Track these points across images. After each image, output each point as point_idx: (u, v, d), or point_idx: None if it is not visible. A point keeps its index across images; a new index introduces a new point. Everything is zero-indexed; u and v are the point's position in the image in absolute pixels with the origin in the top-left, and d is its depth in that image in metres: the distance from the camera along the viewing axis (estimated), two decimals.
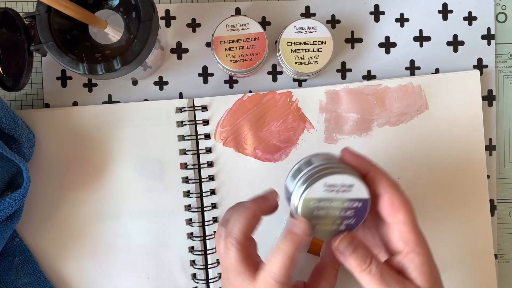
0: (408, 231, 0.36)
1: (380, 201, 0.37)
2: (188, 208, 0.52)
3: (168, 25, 0.54)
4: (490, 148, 0.54)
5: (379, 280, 0.35)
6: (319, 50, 0.50)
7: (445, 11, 0.54)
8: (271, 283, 0.35)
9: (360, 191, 0.36)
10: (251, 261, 0.37)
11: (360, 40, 0.54)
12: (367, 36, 0.54)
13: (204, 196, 0.52)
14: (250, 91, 0.54)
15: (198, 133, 0.52)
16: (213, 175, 0.52)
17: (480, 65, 0.54)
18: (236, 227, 0.38)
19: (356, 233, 0.37)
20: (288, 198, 0.39)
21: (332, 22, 0.54)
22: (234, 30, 0.49)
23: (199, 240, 0.52)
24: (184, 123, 0.52)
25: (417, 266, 0.36)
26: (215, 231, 0.52)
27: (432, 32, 0.54)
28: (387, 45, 0.54)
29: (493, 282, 0.52)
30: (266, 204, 0.40)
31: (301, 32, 0.50)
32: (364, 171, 0.38)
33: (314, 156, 0.40)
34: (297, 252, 0.35)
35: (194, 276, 0.52)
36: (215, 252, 0.52)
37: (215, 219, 0.52)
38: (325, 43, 0.50)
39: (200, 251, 0.52)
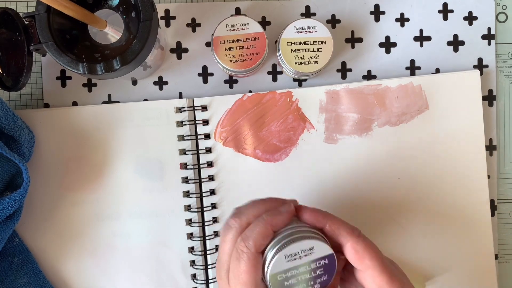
0: (378, 275, 0.37)
1: (345, 250, 0.38)
2: (188, 208, 0.52)
3: (168, 25, 0.53)
4: (490, 148, 0.54)
5: None
6: (319, 50, 0.50)
7: (445, 11, 0.54)
8: None
9: (322, 249, 0.36)
10: (257, 277, 0.37)
11: (360, 40, 0.54)
12: (367, 36, 0.54)
13: (204, 196, 0.52)
14: (250, 91, 0.54)
15: (198, 133, 0.52)
16: (213, 175, 0.52)
17: (480, 65, 0.54)
18: (251, 239, 0.37)
19: (335, 284, 0.39)
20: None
21: (332, 22, 0.54)
22: (234, 30, 0.49)
23: (199, 240, 0.52)
24: (184, 123, 0.52)
25: None
26: (215, 231, 0.52)
27: (432, 32, 0.54)
28: (387, 45, 0.54)
29: (493, 282, 0.52)
30: (279, 220, 0.38)
31: (301, 32, 0.50)
32: (321, 225, 0.39)
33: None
34: None
35: (194, 276, 0.52)
36: (215, 252, 0.52)
37: (215, 219, 0.52)
38: (325, 43, 0.50)
39: (200, 251, 0.52)
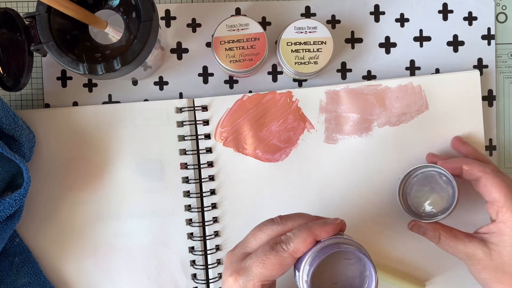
0: (501, 206, 0.44)
1: (478, 186, 0.46)
2: (188, 208, 0.52)
3: (168, 25, 0.54)
4: (490, 148, 0.54)
5: (449, 238, 0.47)
6: (319, 50, 0.50)
7: (445, 11, 0.54)
8: None
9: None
10: (276, 275, 0.37)
11: (360, 40, 0.54)
12: (367, 36, 0.54)
13: (204, 196, 0.52)
14: (250, 91, 0.54)
15: (198, 133, 0.52)
16: (213, 175, 0.52)
17: (480, 65, 0.54)
18: (292, 242, 0.37)
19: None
20: (297, 269, 0.39)
21: (332, 22, 0.54)
22: (234, 30, 0.49)
23: (199, 240, 0.52)
24: (184, 123, 0.52)
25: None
26: (215, 231, 0.52)
27: (432, 32, 0.54)
28: (387, 45, 0.54)
29: None
30: (324, 231, 0.38)
31: (301, 32, 0.50)
32: (459, 169, 0.47)
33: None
34: None
35: (194, 276, 0.52)
36: (215, 252, 0.52)
37: (215, 219, 0.52)
38: (325, 43, 0.50)
39: (200, 251, 0.52)
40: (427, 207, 0.52)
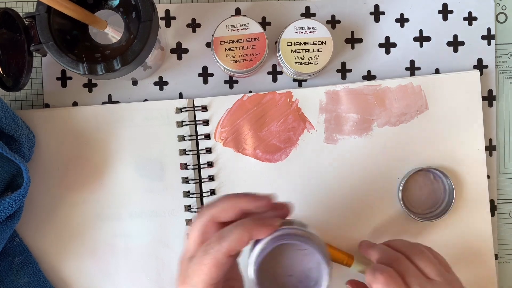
0: None
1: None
2: (188, 208, 0.52)
3: (168, 25, 0.54)
4: (490, 148, 0.54)
5: None
6: (319, 50, 0.50)
7: (445, 11, 0.54)
8: None
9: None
10: (216, 276, 0.35)
11: (360, 40, 0.54)
12: (367, 36, 0.54)
13: (204, 197, 0.52)
14: (250, 91, 0.54)
15: (198, 133, 0.52)
16: (213, 176, 0.52)
17: (480, 65, 0.54)
18: (226, 241, 0.35)
19: None
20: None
21: (332, 22, 0.54)
22: (234, 30, 0.49)
23: None
24: (184, 123, 0.52)
25: None
26: None
27: (432, 32, 0.54)
28: (387, 45, 0.54)
29: (493, 282, 0.52)
30: (261, 232, 0.36)
31: (301, 32, 0.50)
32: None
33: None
34: None
35: None
36: None
37: None
38: (325, 43, 0.50)
39: None
40: (426, 207, 0.52)
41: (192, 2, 0.54)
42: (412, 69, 0.54)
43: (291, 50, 0.50)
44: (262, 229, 0.36)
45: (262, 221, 0.36)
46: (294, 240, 0.35)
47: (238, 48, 0.49)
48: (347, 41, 0.54)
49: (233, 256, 0.36)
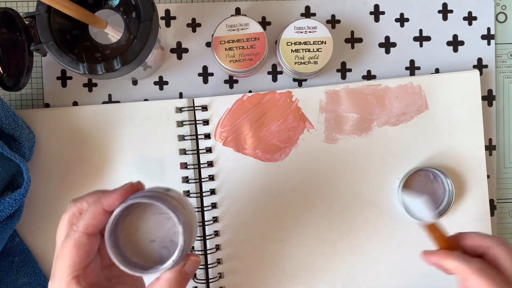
0: None
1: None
2: None
3: (168, 25, 0.54)
4: (490, 148, 0.54)
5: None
6: (319, 50, 0.50)
7: (445, 11, 0.54)
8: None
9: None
10: (79, 257, 0.34)
11: (360, 40, 0.54)
12: (367, 36, 0.54)
13: (204, 196, 0.52)
14: (250, 91, 0.54)
15: (198, 133, 0.52)
16: (213, 175, 0.52)
17: (480, 65, 0.54)
18: (81, 219, 0.35)
19: None
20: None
21: (332, 22, 0.54)
22: (234, 30, 0.49)
23: (199, 240, 0.52)
24: (184, 123, 0.52)
25: None
26: (215, 231, 0.52)
27: (432, 32, 0.54)
28: (387, 45, 0.54)
29: None
30: (111, 198, 0.35)
31: (301, 32, 0.50)
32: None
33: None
34: None
35: (194, 276, 0.52)
36: (215, 251, 0.52)
37: (215, 219, 0.52)
38: (325, 43, 0.50)
39: (200, 251, 0.52)
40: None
41: (192, 2, 0.54)
42: (412, 68, 0.54)
43: (291, 50, 0.50)
44: (111, 194, 0.35)
45: (110, 191, 0.36)
46: (144, 199, 0.34)
47: (238, 47, 0.49)
48: (347, 41, 0.54)
49: (93, 235, 0.35)
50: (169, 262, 0.34)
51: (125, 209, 0.34)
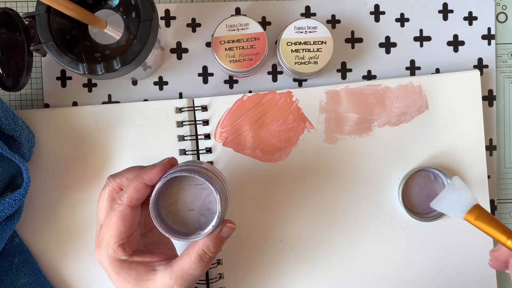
0: None
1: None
2: None
3: (168, 25, 0.54)
4: (490, 148, 0.54)
5: None
6: (319, 50, 0.50)
7: (445, 11, 0.54)
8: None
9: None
10: (125, 229, 0.39)
11: (360, 40, 0.54)
12: (367, 36, 0.54)
13: None
14: (250, 91, 0.54)
15: (198, 133, 0.52)
16: None
17: (480, 65, 0.54)
18: (125, 193, 0.39)
19: None
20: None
21: (332, 22, 0.54)
22: (234, 30, 0.49)
23: None
24: (184, 123, 0.52)
25: None
26: None
27: (432, 32, 0.54)
28: (387, 45, 0.54)
29: (493, 283, 0.52)
30: (152, 173, 0.40)
31: (301, 32, 0.50)
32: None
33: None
34: None
35: None
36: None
37: None
38: (325, 43, 0.50)
39: None
40: (426, 207, 0.52)
41: (192, 2, 0.54)
42: (412, 68, 0.54)
43: (291, 50, 0.50)
44: (151, 170, 0.39)
45: (151, 165, 0.40)
46: (183, 173, 0.38)
47: (238, 48, 0.49)
48: (347, 40, 0.54)
49: (136, 207, 0.39)
50: (210, 228, 0.38)
51: (166, 182, 0.38)
